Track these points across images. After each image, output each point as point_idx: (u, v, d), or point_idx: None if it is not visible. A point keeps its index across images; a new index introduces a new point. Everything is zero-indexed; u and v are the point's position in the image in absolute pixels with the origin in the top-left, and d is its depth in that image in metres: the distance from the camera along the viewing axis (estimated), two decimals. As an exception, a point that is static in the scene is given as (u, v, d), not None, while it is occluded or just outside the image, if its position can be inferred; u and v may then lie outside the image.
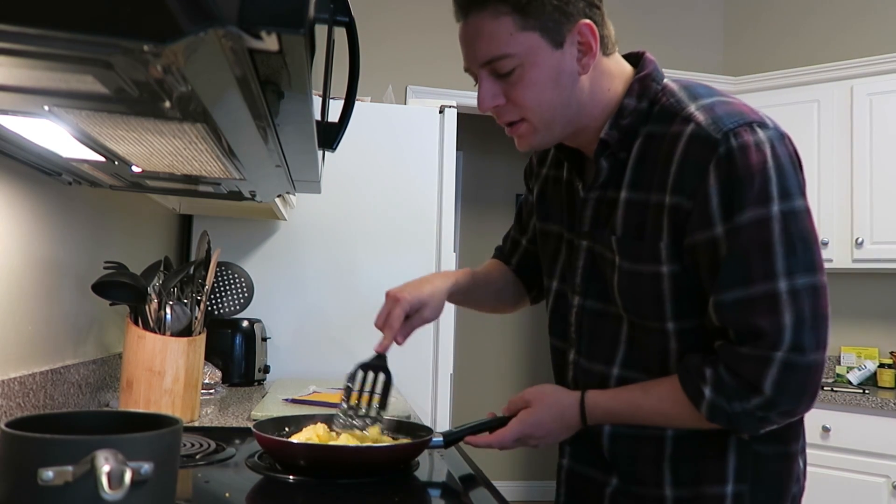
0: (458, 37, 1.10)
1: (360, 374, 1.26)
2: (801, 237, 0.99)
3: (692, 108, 1.05)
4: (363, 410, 1.26)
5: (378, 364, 1.26)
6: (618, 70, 1.12)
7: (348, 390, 1.26)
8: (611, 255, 1.12)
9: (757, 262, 0.98)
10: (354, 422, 1.26)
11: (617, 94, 1.11)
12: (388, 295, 1.28)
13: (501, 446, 1.18)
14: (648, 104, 1.10)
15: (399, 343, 1.25)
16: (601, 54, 1.09)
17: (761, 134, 1.01)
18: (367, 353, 1.28)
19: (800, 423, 1.13)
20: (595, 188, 1.14)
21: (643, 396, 1.09)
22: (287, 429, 1.34)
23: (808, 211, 1.02)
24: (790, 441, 1.11)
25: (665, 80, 1.12)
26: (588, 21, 1.05)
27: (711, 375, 1.02)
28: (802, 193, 1.02)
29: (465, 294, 1.37)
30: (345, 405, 1.27)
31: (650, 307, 1.08)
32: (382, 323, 1.26)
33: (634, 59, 1.16)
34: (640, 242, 1.07)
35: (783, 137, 1.03)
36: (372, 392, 1.26)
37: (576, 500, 1.21)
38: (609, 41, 1.11)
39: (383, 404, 1.27)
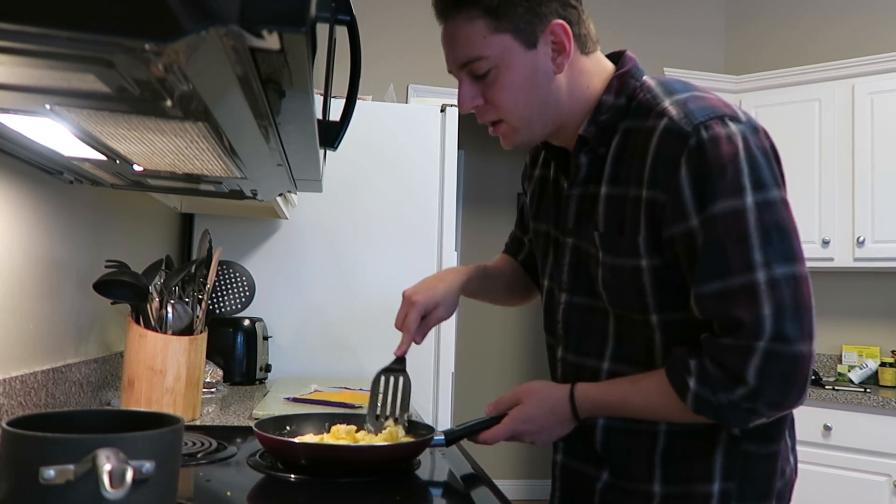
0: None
1: (383, 379, 1.33)
2: (776, 227, 0.99)
3: (666, 103, 1.06)
4: (388, 413, 1.32)
5: (398, 368, 1.33)
6: (597, 68, 1.14)
7: (375, 395, 1.32)
8: (594, 250, 1.13)
9: (733, 253, 0.99)
10: (383, 424, 1.32)
11: (596, 92, 1.13)
12: (404, 296, 1.34)
13: (493, 441, 1.19)
14: (626, 100, 1.11)
15: (417, 343, 1.33)
16: (579, 53, 1.11)
17: (733, 127, 1.01)
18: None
19: (784, 420, 1.12)
20: (577, 185, 1.16)
21: (632, 389, 1.10)
22: (289, 427, 1.34)
23: (784, 201, 1.02)
24: (776, 439, 1.11)
25: (644, 77, 1.14)
26: (561, 21, 1.07)
27: (696, 367, 1.02)
28: (778, 185, 1.02)
29: (478, 288, 1.43)
30: (373, 409, 1.33)
31: (633, 300, 1.09)
32: (401, 325, 1.32)
33: (616, 57, 1.17)
34: (620, 236, 1.08)
35: (757, 131, 1.04)
36: (395, 395, 1.33)
37: (569, 495, 1.22)
38: (588, 40, 1.12)
39: (405, 406, 1.32)
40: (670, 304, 1.07)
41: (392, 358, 1.33)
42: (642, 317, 1.09)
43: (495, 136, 1.18)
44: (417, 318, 1.30)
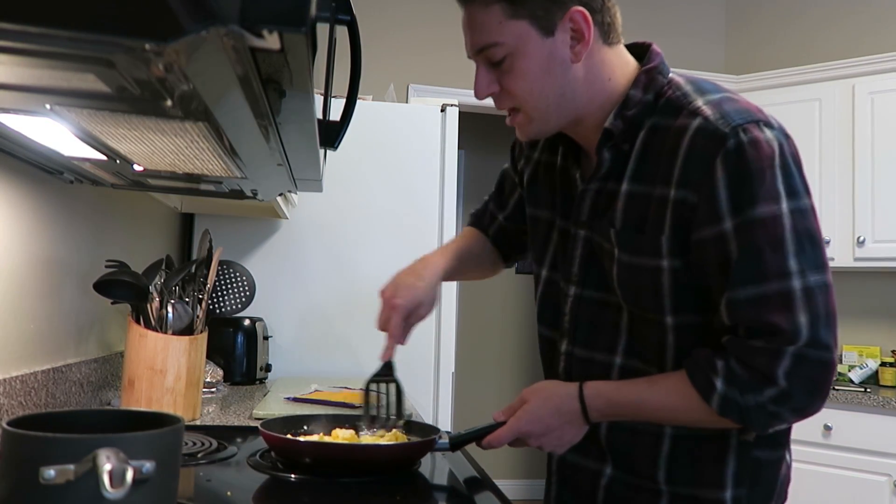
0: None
1: (374, 387, 1.30)
2: (808, 235, 0.99)
3: (700, 102, 1.04)
4: (384, 420, 1.31)
5: (387, 374, 1.29)
6: (620, 61, 1.11)
7: (367, 404, 1.30)
8: (609, 246, 1.10)
9: (770, 259, 0.97)
10: (377, 430, 1.31)
11: (618, 86, 1.10)
12: (384, 298, 1.29)
13: (499, 444, 1.16)
14: (654, 96, 1.09)
15: (402, 344, 1.28)
16: (602, 43, 1.08)
17: (768, 132, 1.00)
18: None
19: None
20: (595, 179, 1.13)
21: (648, 389, 1.07)
22: (306, 427, 1.35)
23: (813, 210, 1.01)
24: (783, 444, 1.11)
25: (671, 75, 1.11)
26: (581, 8, 1.03)
27: (723, 367, 1.00)
28: (808, 193, 1.02)
29: (454, 276, 1.41)
30: (365, 419, 1.31)
31: (649, 300, 1.07)
32: (384, 327, 1.27)
33: (640, 49, 1.14)
34: (640, 235, 1.06)
35: (788, 138, 1.03)
36: (388, 403, 1.30)
37: (567, 489, 1.20)
38: (612, 30, 1.09)
39: (399, 415, 1.30)
40: (687, 306, 1.05)
41: (379, 364, 1.29)
42: (657, 317, 1.07)
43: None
44: (401, 322, 1.26)
